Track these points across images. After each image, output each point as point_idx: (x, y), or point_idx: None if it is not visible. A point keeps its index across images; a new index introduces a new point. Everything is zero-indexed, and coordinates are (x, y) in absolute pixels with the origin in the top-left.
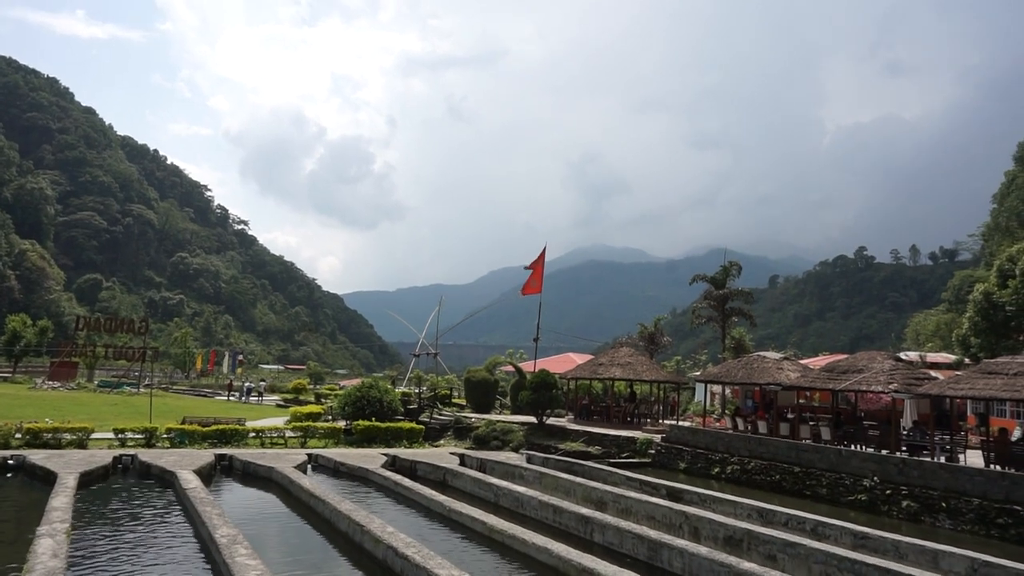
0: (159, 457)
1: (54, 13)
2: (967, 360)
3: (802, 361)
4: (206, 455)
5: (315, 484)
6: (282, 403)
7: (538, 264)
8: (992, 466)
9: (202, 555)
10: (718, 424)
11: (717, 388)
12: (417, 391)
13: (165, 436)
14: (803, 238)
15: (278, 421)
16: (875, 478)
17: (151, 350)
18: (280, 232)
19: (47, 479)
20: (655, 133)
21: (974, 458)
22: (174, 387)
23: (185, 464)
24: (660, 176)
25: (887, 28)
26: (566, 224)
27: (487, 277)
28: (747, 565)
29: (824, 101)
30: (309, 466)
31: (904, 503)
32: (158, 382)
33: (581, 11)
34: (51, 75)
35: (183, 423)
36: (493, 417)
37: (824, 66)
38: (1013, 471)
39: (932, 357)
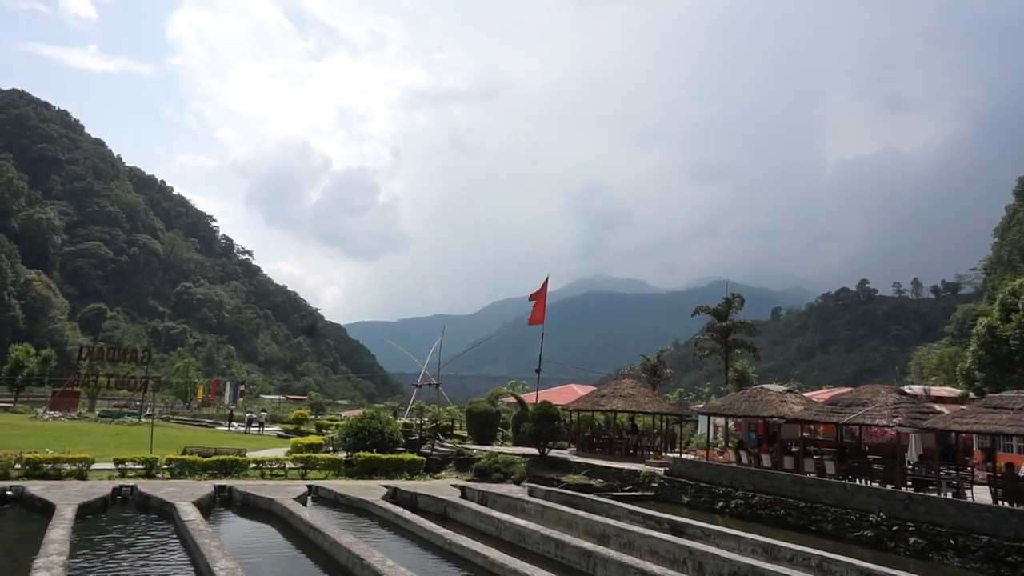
0: (159, 488)
1: (67, 47)
2: (972, 394)
3: (806, 394)
4: (206, 486)
5: (315, 516)
6: (283, 434)
7: (540, 295)
8: (1000, 502)
9: None
10: (721, 457)
11: (720, 421)
12: (419, 422)
13: (165, 467)
14: (805, 269)
15: (279, 452)
16: (881, 513)
17: (153, 380)
18: (284, 262)
19: (45, 510)
20: (657, 165)
21: (981, 494)
22: (175, 417)
23: (184, 495)
24: (662, 208)
25: (886, 63)
26: (569, 255)
27: (490, 307)
28: None
29: (825, 134)
30: (309, 498)
31: (911, 539)
32: (159, 412)
33: (584, 45)
34: (62, 107)
35: (184, 453)
36: (495, 449)
37: (824, 100)
38: (1023, 508)
39: (936, 391)
